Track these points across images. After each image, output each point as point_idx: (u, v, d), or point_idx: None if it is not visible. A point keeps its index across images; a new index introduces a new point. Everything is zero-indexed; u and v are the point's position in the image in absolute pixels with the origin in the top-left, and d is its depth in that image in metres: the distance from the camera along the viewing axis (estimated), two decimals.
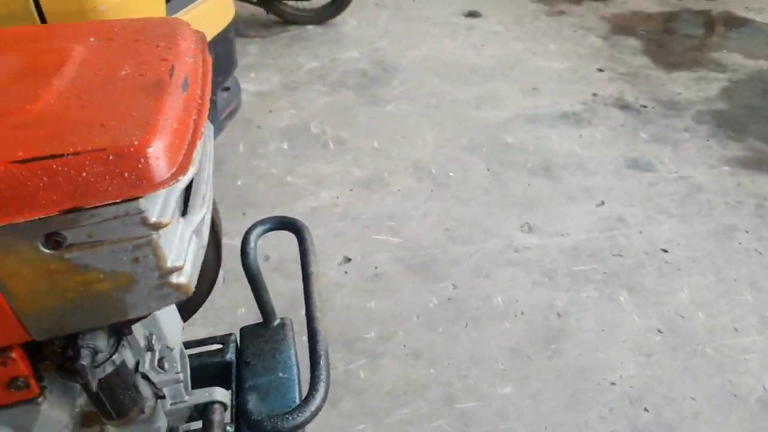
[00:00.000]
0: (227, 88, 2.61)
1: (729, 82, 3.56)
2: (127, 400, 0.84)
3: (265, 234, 1.15)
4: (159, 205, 0.65)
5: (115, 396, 0.83)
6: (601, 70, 3.72)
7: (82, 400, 0.86)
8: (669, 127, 3.10)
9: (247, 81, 3.48)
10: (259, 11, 4.21)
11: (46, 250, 0.61)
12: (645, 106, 3.31)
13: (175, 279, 0.69)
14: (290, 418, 0.81)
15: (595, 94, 3.40)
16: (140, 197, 0.61)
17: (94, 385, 0.77)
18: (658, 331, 1.96)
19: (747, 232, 2.38)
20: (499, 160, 2.81)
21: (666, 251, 2.28)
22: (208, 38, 2.39)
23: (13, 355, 0.71)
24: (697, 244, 2.31)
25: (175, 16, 2.16)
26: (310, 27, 4.20)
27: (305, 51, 3.86)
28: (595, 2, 4.90)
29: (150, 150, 0.61)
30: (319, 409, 0.82)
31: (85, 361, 0.73)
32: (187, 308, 1.38)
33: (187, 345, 1.19)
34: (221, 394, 1.00)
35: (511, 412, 1.71)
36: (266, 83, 3.47)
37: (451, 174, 2.71)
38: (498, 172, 2.72)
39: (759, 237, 2.35)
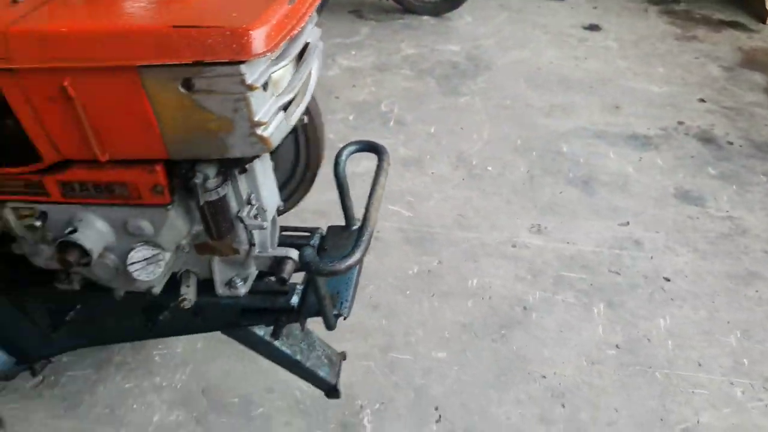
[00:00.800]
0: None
1: None
2: (224, 227, 1.20)
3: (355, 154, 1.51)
4: (255, 74, 0.99)
5: (216, 219, 1.19)
6: (702, 101, 3.54)
7: (198, 226, 1.22)
8: (746, 167, 2.92)
9: (346, 57, 3.85)
10: None
11: (183, 90, 0.98)
12: (731, 143, 3.12)
13: (260, 131, 1.04)
14: (329, 263, 1.12)
15: (680, 123, 3.27)
16: (242, 62, 0.94)
17: (201, 200, 1.13)
18: (616, 346, 1.98)
19: None
20: (544, 165, 2.87)
21: (668, 280, 2.24)
22: None
23: (157, 167, 1.08)
24: (706, 281, 2.24)
25: None
26: (425, 17, 4.46)
27: (410, 38, 4.13)
28: (738, 32, 4.57)
29: (251, 32, 0.95)
30: (352, 265, 1.11)
31: (198, 181, 1.10)
32: (295, 192, 1.82)
33: (284, 229, 1.57)
34: (294, 254, 1.33)
35: (435, 373, 1.87)
36: (361, 61, 3.80)
37: (489, 168, 2.84)
38: (536, 175, 2.80)
39: None
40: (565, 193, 2.69)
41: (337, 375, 1.62)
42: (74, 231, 1.11)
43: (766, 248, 2.40)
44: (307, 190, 1.84)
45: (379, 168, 1.37)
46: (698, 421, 1.75)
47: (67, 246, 1.10)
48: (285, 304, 1.35)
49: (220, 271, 1.30)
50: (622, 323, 2.06)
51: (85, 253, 1.11)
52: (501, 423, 1.75)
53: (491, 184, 2.73)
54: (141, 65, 0.93)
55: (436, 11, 4.51)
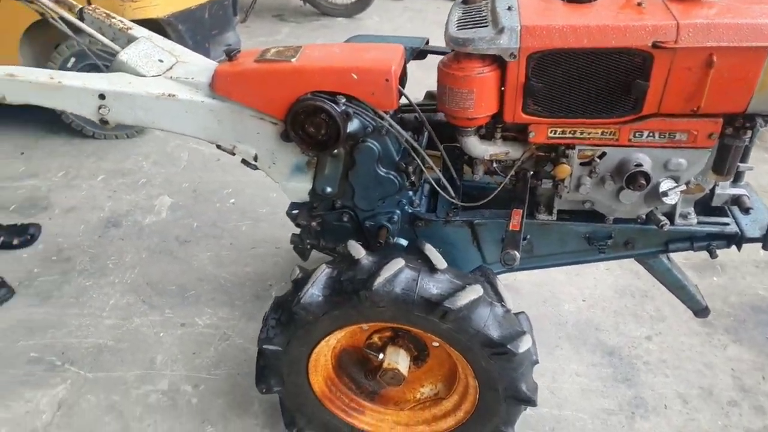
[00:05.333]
0: (229, 44, 3.58)
1: None
2: (735, 167, 1.35)
3: None
4: None
5: (734, 160, 1.33)
6: None
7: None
8: None
9: None
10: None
11: None
12: None
13: None
14: None
15: None
16: None
17: (733, 144, 1.29)
18: None
19: None
20: None
21: None
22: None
23: (719, 119, 1.26)
24: None
25: None
26: (339, 19, 5.14)
27: (324, 36, 4.79)
28: None
29: None
30: None
31: (756, 129, 1.26)
32: None
33: None
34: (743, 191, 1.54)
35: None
36: None
37: None
38: None
39: None
40: None
41: (703, 299, 1.79)
42: (640, 165, 1.32)
43: None
44: None
45: None
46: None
47: (637, 174, 1.32)
48: (731, 231, 1.49)
49: (680, 206, 1.49)
50: None
51: (647, 180, 1.33)
52: None
53: None
54: None
55: (348, 13, 5.20)
